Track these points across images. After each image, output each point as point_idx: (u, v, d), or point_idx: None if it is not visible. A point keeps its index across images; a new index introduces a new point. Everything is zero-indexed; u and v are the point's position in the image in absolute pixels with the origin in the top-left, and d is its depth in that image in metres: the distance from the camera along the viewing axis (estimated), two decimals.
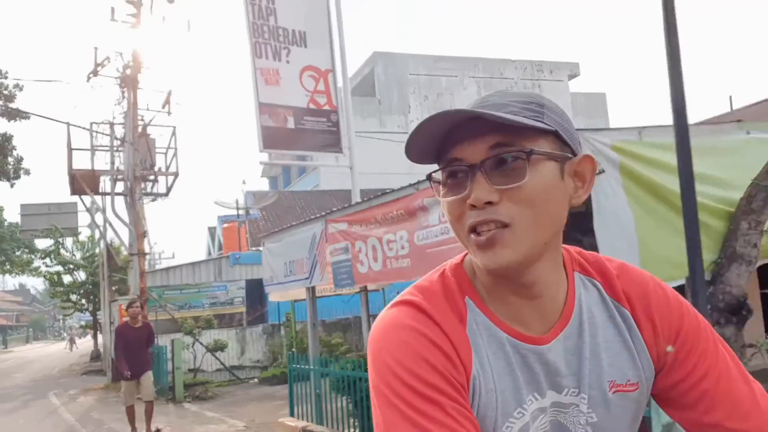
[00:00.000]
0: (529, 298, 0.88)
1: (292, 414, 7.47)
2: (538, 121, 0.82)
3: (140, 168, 13.42)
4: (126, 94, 13.26)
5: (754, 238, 4.08)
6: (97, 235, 22.11)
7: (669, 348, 0.91)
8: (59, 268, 23.18)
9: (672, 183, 4.08)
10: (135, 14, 14.09)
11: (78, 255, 23.85)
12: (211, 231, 36.26)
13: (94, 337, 25.22)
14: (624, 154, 4.17)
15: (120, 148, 13.85)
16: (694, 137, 4.00)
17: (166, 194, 14.85)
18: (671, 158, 4.02)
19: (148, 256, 17.05)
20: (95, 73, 13.13)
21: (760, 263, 4.28)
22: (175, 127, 14.17)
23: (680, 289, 4.04)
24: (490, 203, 0.80)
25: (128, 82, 13.29)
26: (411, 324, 0.85)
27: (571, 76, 38.99)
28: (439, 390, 0.80)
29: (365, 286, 7.95)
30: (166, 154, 14.63)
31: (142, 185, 13.76)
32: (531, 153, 0.81)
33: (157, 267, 30.08)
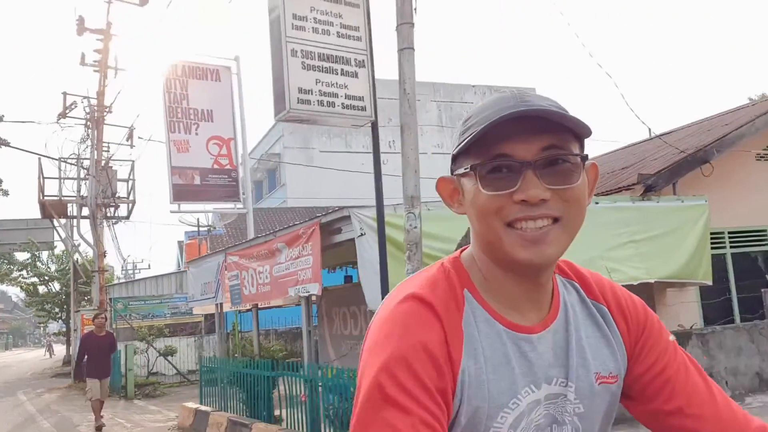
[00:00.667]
0: (532, 291, 0.93)
1: (201, 402, 9.62)
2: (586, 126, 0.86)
3: (102, 197, 15.55)
4: (90, 134, 15.42)
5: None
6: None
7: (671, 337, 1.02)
8: (35, 279, 25.15)
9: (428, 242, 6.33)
10: (100, 60, 16.27)
11: (53, 267, 25.82)
12: (180, 245, 38.22)
13: (67, 343, 27.13)
14: (386, 225, 6.42)
15: (85, 178, 15.98)
16: (442, 209, 6.27)
17: (127, 217, 16.98)
18: (426, 227, 6.29)
19: (126, 266, 18.98)
20: (64, 115, 15.26)
21: None
22: (134, 161, 16.33)
23: None
24: (542, 200, 0.84)
25: (93, 123, 15.45)
26: (410, 320, 0.87)
27: None
28: (411, 396, 0.81)
29: (308, 298, 10.12)
30: (127, 183, 16.78)
31: (104, 210, 15.88)
32: (585, 158, 0.88)
33: (138, 277, 32.06)
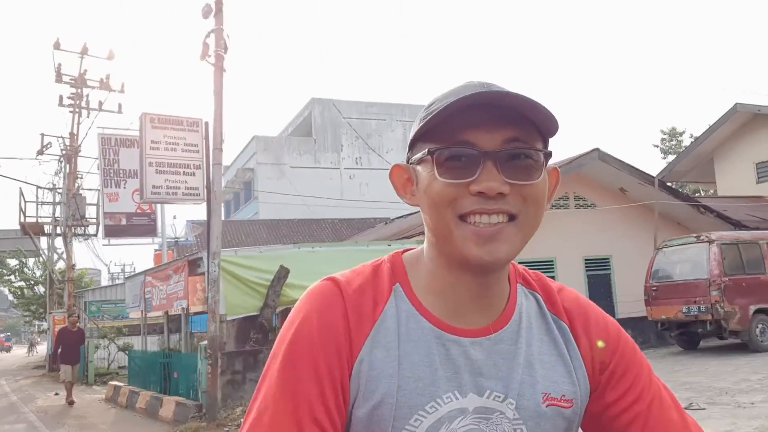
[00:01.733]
0: (479, 296, 0.86)
1: (129, 382, 13.05)
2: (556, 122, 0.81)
3: (72, 219, 19.01)
4: (63, 168, 18.87)
5: (273, 297, 9.81)
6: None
7: (600, 343, 0.91)
8: (22, 283, 28.60)
9: (245, 272, 9.81)
10: (75, 103, 19.74)
11: (38, 273, 29.28)
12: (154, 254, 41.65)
13: (48, 341, 30.61)
14: (225, 262, 9.89)
15: (59, 203, 19.43)
16: (249, 250, 9.76)
17: (95, 235, 20.44)
18: (249, 262, 9.77)
19: (110, 270, 22.21)
20: (41, 152, 18.69)
21: (280, 308, 10.02)
22: (100, 189, 19.79)
23: (248, 319, 9.84)
24: (500, 194, 0.78)
25: (66, 159, 18.89)
26: (316, 301, 0.85)
27: None
28: (313, 371, 0.80)
29: (185, 308, 13.53)
30: (97, 206, 20.24)
31: (74, 230, 19.34)
32: (549, 156, 0.82)
33: (124, 278, 35.45)
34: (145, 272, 12.70)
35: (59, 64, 19.37)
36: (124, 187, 13.12)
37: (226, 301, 9.77)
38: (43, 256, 20.94)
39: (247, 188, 41.85)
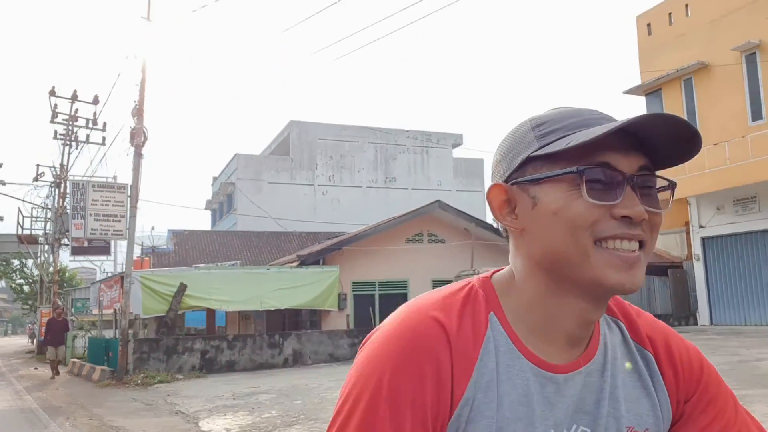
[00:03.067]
0: (583, 328, 0.83)
1: (89, 360, 17.75)
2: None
3: (59, 233, 23.82)
4: (53, 192, 23.69)
5: (175, 303, 14.51)
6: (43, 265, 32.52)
7: (627, 365, 0.87)
8: (22, 281, 33.59)
9: (158, 286, 14.54)
10: (66, 138, 24.57)
11: (36, 272, 34.26)
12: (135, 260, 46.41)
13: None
14: (144, 278, 14.60)
15: (49, 220, 24.24)
16: (156, 274, 14.50)
17: (87, 244, 25.21)
18: (161, 279, 14.51)
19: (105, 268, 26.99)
20: (36, 179, 23.47)
21: (180, 311, 14.72)
22: (69, 221, 24.61)
23: (159, 318, 14.61)
24: (643, 220, 0.76)
25: (55, 185, 23.67)
26: (411, 337, 0.78)
27: (455, 145, 48.99)
28: (416, 414, 0.75)
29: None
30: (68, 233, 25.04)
31: (60, 243, 24.16)
32: (675, 186, 0.81)
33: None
34: (100, 281, 17.44)
35: (56, 105, 24.22)
36: (87, 219, 17.86)
37: (143, 305, 14.48)
38: (37, 261, 25.75)
39: (229, 201, 46.53)
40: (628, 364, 0.87)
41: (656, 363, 0.88)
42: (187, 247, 37.92)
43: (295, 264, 16.56)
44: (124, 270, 14.13)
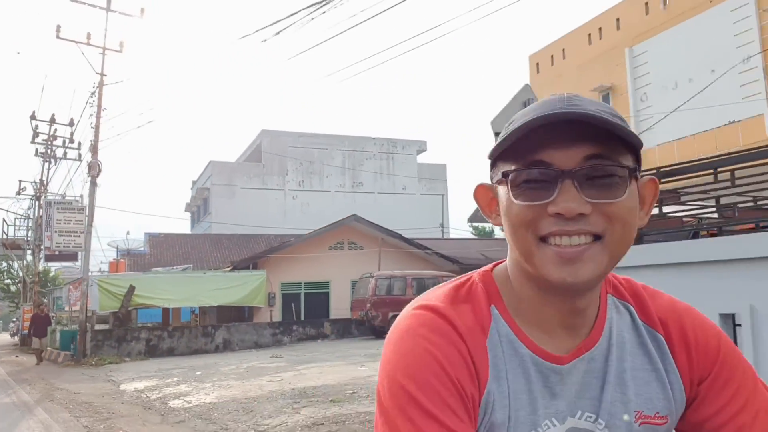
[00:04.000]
0: (569, 315, 0.83)
1: (61, 348, 21.15)
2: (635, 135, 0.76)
3: (38, 240, 27.18)
4: (33, 204, 27.05)
5: (126, 301, 17.97)
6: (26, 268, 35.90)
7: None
8: (9, 281, 36.96)
9: (112, 288, 17.99)
10: (45, 155, 27.92)
11: (21, 273, 37.60)
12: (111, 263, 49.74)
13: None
14: (102, 281, 18.05)
15: (30, 228, 27.61)
16: (110, 276, 17.97)
17: (57, 252, 28.61)
18: (115, 281, 17.97)
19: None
20: (19, 193, 26.83)
21: (131, 307, 18.20)
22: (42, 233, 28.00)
23: (113, 313, 18.15)
24: (580, 215, 0.75)
25: (36, 197, 27.03)
26: (427, 334, 0.79)
27: (420, 151, 52.26)
28: (450, 407, 0.75)
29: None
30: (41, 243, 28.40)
31: (41, 249, 27.52)
32: (634, 171, 0.78)
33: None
34: (69, 283, 20.85)
35: (36, 126, 27.57)
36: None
37: (100, 303, 17.93)
38: (21, 264, 29.15)
39: (205, 204, 49.77)
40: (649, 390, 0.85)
41: (668, 345, 0.87)
42: (161, 249, 41.23)
43: (228, 269, 20.08)
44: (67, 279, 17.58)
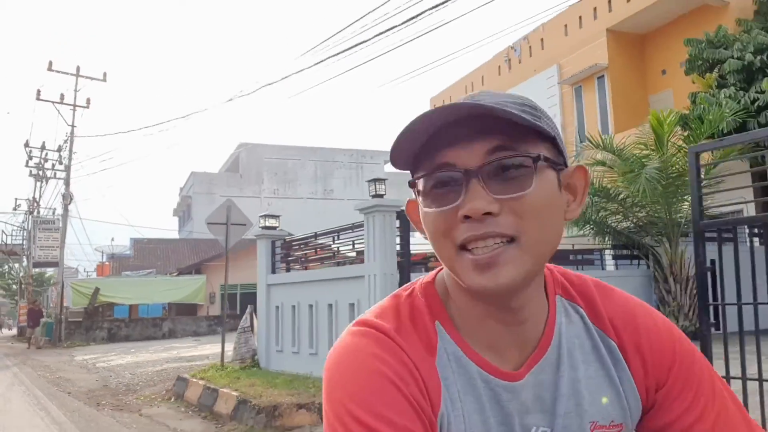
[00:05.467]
0: (512, 324, 0.78)
1: (45, 336, 26.53)
2: (539, 123, 0.72)
3: (28, 250, 32.54)
4: (28, 218, 32.43)
5: (93, 299, 23.32)
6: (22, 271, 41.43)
7: (604, 399, 0.81)
8: (10, 281, 42.46)
9: (83, 289, 23.35)
10: (38, 176, 33.31)
11: (21, 273, 43.11)
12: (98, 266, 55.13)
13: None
14: (75, 284, 23.41)
15: (25, 238, 33.05)
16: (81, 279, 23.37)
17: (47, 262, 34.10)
18: (85, 284, 23.35)
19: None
20: (15, 209, 32.22)
21: (97, 304, 23.57)
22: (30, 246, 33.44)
23: (84, 308, 23.64)
24: (489, 214, 0.69)
25: (29, 214, 32.42)
26: (375, 351, 0.73)
27: (387, 161, 57.61)
28: (402, 428, 0.69)
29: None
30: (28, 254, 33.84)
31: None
32: (538, 159, 0.71)
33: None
34: (52, 284, 26.18)
35: (30, 150, 32.96)
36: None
37: (73, 301, 23.27)
38: (20, 266, 34.68)
39: (188, 211, 55.07)
40: (604, 399, 0.80)
41: (620, 350, 0.82)
42: (145, 253, 46.62)
43: (175, 273, 25.42)
44: (66, 277, 22.95)
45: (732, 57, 13.99)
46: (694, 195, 4.39)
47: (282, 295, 9.84)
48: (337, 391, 0.73)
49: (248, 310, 10.45)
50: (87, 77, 22.83)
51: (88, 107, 22.91)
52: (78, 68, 22.73)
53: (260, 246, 10.54)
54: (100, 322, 23.11)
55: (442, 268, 0.83)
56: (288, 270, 9.93)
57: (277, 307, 9.96)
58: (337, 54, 10.02)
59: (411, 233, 7.68)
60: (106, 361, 15.27)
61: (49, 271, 41.22)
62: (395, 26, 9.27)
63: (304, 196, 53.53)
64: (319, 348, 8.61)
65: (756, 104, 12.66)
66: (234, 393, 7.58)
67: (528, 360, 0.79)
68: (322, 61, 10.38)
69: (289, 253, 10.10)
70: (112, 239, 42.04)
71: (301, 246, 9.92)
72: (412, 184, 0.77)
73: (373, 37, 9.38)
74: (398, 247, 7.68)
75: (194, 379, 8.99)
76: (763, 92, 12.61)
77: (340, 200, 54.54)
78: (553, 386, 0.80)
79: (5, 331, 58.57)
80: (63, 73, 22.42)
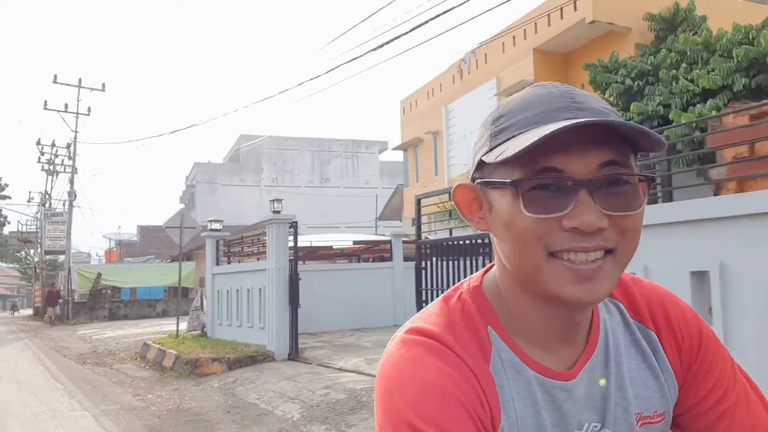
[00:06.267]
0: (572, 327, 0.79)
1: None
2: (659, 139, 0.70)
3: (41, 239, 36.02)
4: (40, 210, 35.83)
5: (96, 283, 26.72)
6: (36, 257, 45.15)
7: (602, 381, 0.81)
8: (26, 265, 46.15)
9: (87, 274, 26.73)
10: (49, 170, 36.70)
11: (36, 259, 46.78)
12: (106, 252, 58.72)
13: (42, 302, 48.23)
14: (82, 270, 26.78)
15: (39, 229, 36.53)
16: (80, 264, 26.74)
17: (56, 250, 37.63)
18: (90, 269, 26.72)
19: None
20: (29, 201, 35.66)
21: (100, 286, 26.99)
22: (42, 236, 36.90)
23: (90, 290, 27.04)
24: (599, 230, 0.69)
25: (41, 206, 35.82)
26: (429, 361, 0.72)
27: (381, 150, 60.19)
28: None
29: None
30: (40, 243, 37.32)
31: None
32: (652, 180, 0.74)
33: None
34: (61, 270, 29.60)
35: (42, 147, 36.33)
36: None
37: (79, 284, 26.63)
38: (33, 254, 38.29)
39: (192, 199, 58.35)
40: (602, 381, 0.81)
41: (659, 340, 0.85)
42: (150, 239, 50.10)
43: (169, 260, 28.69)
44: (76, 262, 26.31)
45: (616, 81, 16.78)
46: (417, 226, 7.46)
47: (222, 282, 12.98)
48: (395, 400, 0.71)
49: (199, 293, 13.55)
50: (88, 88, 25.98)
51: (89, 114, 26.09)
52: (80, 80, 25.90)
53: (208, 244, 13.64)
54: (103, 303, 26.49)
55: (487, 271, 0.84)
56: (229, 262, 13.06)
57: (218, 291, 13.11)
58: (347, 62, 10.75)
59: (297, 237, 10.74)
60: (101, 334, 18.54)
61: (61, 257, 44.90)
62: (402, 34, 9.44)
63: (302, 184, 56.34)
64: (242, 321, 11.72)
65: None
66: (174, 352, 10.74)
67: (580, 358, 0.80)
68: (333, 69, 12.10)
69: (229, 249, 13.20)
70: (119, 227, 45.31)
71: (236, 243, 13.01)
72: (511, 183, 0.71)
73: (384, 44, 10.05)
74: (291, 247, 10.73)
75: (154, 345, 12.16)
76: (633, 114, 15.39)
77: (337, 188, 57.40)
78: (603, 382, 0.81)
79: (22, 312, 62.76)
80: (66, 84, 25.57)
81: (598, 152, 0.69)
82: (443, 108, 27.40)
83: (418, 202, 7.92)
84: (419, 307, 7.12)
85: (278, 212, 10.90)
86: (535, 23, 21.13)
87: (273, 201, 11.73)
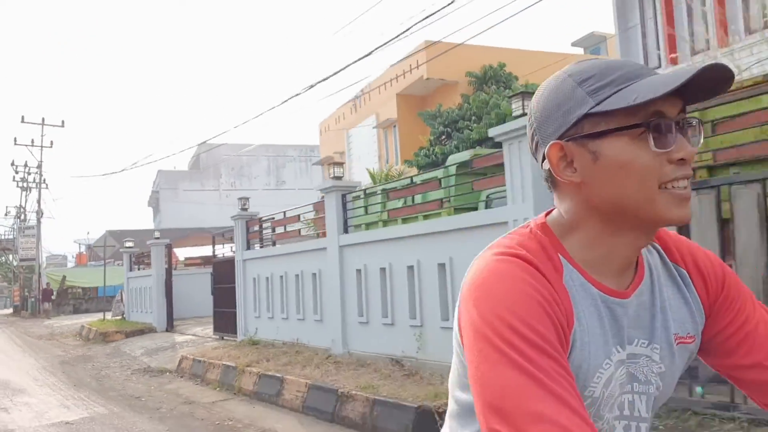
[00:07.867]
0: (633, 256, 0.94)
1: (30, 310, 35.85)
2: None
3: (17, 247, 41.68)
4: (16, 222, 41.48)
5: (62, 283, 32.61)
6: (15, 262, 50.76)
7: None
8: (7, 269, 51.67)
9: (55, 276, 32.60)
10: (23, 188, 42.31)
11: (15, 263, 52.26)
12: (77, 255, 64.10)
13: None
14: (51, 273, 32.65)
15: (14, 239, 42.15)
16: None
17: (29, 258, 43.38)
18: (57, 272, 32.60)
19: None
20: (6, 215, 41.18)
21: (64, 287, 32.87)
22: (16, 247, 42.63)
23: (59, 289, 32.99)
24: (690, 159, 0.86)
25: (17, 220, 41.44)
26: (522, 275, 0.85)
27: None
28: (553, 344, 0.81)
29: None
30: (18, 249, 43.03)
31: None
32: (702, 122, 0.90)
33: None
34: (40, 270, 35.43)
35: (16, 167, 41.93)
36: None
37: (51, 285, 32.46)
38: (12, 259, 44.05)
39: (157, 204, 63.56)
40: (682, 315, 1.00)
41: (689, 277, 1.01)
42: (118, 242, 55.08)
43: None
44: (52, 264, 32.14)
45: (434, 127, 22.94)
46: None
47: (134, 283, 19.06)
48: (489, 301, 0.83)
49: (120, 290, 19.64)
50: (49, 125, 31.83)
51: (51, 147, 31.95)
52: (43, 119, 31.76)
53: (124, 257, 19.69)
54: (68, 300, 32.45)
55: (549, 212, 0.98)
56: (139, 269, 19.14)
57: (131, 289, 19.20)
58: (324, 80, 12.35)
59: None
60: (60, 323, 24.53)
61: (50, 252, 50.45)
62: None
63: (260, 187, 61.29)
64: (145, 309, 17.79)
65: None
66: (95, 329, 16.86)
67: (631, 284, 0.95)
68: (312, 86, 12.60)
69: (138, 260, 19.27)
70: (88, 232, 50.65)
71: (144, 256, 19.07)
72: (643, 125, 0.84)
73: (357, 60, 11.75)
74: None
75: (86, 326, 18.24)
76: (439, 153, 21.39)
77: (292, 190, 62.35)
78: (650, 305, 0.97)
79: (3, 311, 67.87)
80: (32, 123, 31.44)
81: (678, 101, 0.86)
82: (345, 133, 33.57)
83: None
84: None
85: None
86: (397, 75, 27.29)
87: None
